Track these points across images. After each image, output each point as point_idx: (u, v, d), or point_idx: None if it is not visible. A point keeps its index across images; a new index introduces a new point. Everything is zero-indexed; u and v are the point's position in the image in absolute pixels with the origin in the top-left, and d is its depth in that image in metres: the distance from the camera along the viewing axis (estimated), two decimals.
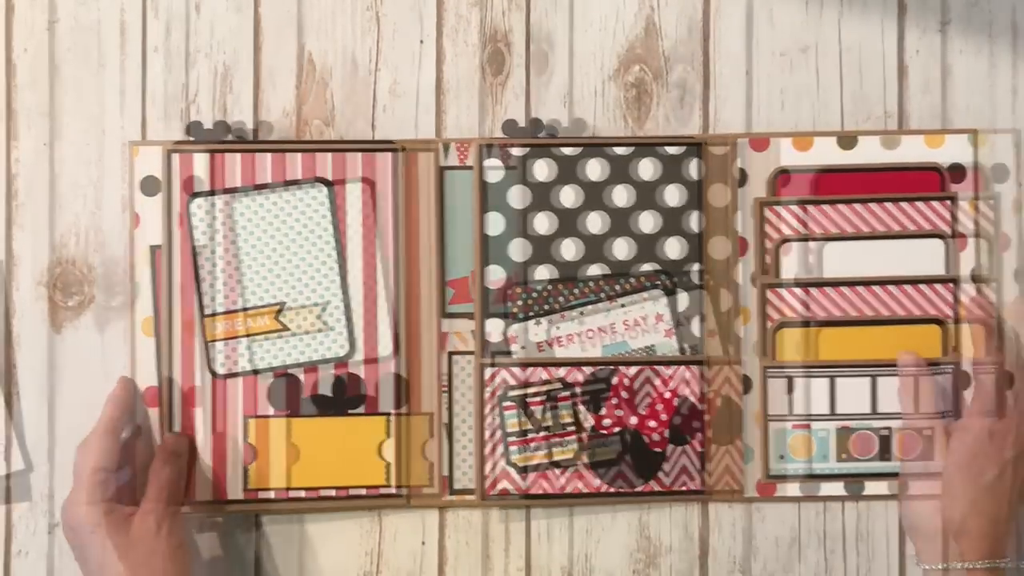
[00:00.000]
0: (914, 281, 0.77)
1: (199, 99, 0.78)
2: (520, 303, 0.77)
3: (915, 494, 0.74)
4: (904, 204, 0.78)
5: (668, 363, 0.77)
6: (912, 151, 0.78)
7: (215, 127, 0.77)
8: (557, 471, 0.76)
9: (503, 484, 0.76)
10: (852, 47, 0.79)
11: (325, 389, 0.76)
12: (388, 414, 0.76)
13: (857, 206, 0.78)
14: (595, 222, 0.77)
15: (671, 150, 0.77)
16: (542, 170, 0.77)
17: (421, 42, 0.78)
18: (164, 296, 0.76)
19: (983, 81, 0.79)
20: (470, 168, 0.77)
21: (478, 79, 0.78)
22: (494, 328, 0.77)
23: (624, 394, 0.77)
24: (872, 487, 0.77)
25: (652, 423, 0.77)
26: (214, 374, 0.76)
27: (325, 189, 0.76)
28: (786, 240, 0.77)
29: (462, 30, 0.78)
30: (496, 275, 0.77)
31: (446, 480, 0.77)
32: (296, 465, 0.76)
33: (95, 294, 0.77)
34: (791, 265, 0.78)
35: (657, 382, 0.77)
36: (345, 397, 0.76)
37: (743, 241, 0.78)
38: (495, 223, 0.77)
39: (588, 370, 0.77)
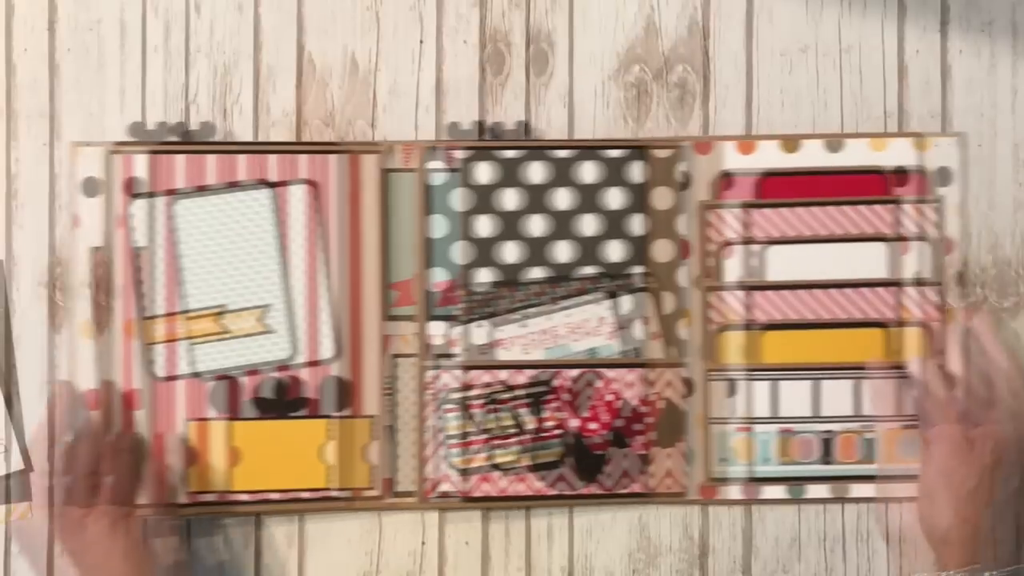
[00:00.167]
0: (857, 284, 0.78)
1: (199, 99, 0.77)
2: (463, 306, 0.77)
3: (941, 504, 0.72)
4: (847, 208, 0.78)
5: (610, 366, 0.77)
6: (856, 155, 0.78)
7: (157, 128, 0.77)
8: (498, 473, 0.76)
9: (444, 486, 0.77)
10: (852, 47, 0.79)
11: (266, 392, 0.76)
12: (330, 417, 0.76)
13: (800, 209, 0.78)
14: (537, 225, 0.77)
15: (613, 153, 0.77)
16: (485, 173, 0.77)
17: (421, 42, 0.78)
18: (103, 298, 0.75)
19: (983, 81, 0.79)
20: (414, 171, 0.77)
21: (478, 79, 0.78)
22: (437, 331, 0.76)
23: (566, 396, 0.77)
24: (814, 490, 0.78)
25: (594, 425, 0.77)
26: (154, 377, 0.75)
27: (267, 191, 0.76)
28: (728, 243, 0.77)
29: (462, 30, 0.78)
30: (439, 277, 0.77)
31: (388, 482, 0.77)
32: (237, 468, 0.76)
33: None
34: (734, 268, 0.78)
35: (599, 384, 0.77)
36: (286, 400, 0.76)
37: (686, 244, 0.78)
38: (439, 226, 0.77)
39: (530, 373, 0.77)
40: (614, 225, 0.77)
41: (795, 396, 0.77)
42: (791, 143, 0.78)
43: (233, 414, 0.76)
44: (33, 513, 0.71)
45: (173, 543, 0.72)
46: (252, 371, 0.76)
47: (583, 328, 0.77)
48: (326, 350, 0.76)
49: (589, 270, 0.77)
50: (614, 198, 0.77)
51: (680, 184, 0.78)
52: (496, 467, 0.76)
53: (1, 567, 0.76)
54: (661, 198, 0.78)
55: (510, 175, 0.77)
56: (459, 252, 0.77)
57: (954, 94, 0.79)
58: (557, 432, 0.77)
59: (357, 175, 0.77)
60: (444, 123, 0.78)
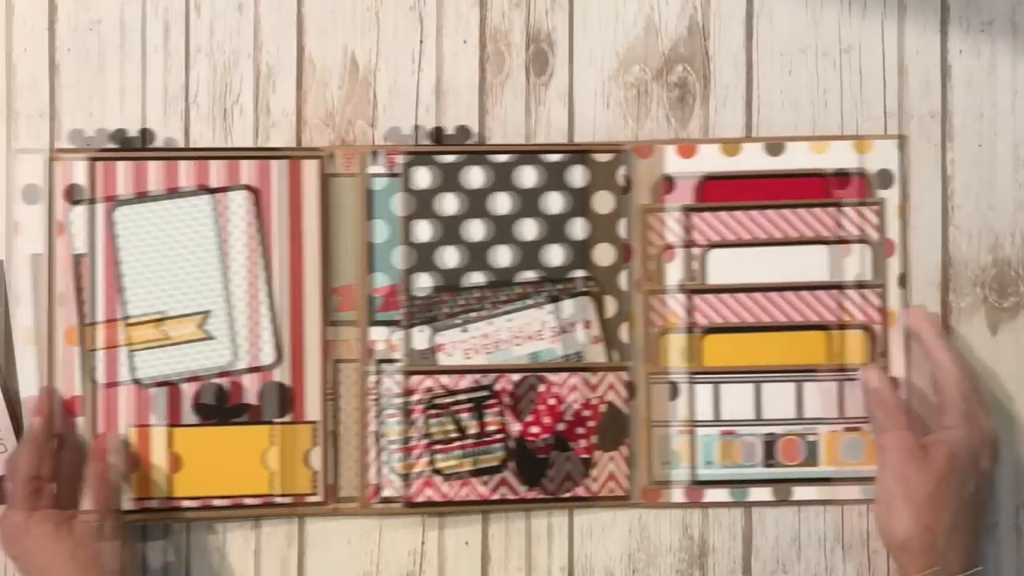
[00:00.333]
0: (798, 288, 0.78)
1: (199, 99, 0.77)
2: (404, 311, 0.77)
3: (899, 512, 0.72)
4: (787, 211, 0.78)
5: (552, 370, 0.77)
6: (796, 158, 0.78)
7: (97, 134, 0.77)
8: (440, 478, 0.76)
9: (386, 491, 0.77)
10: (852, 47, 0.79)
11: (207, 398, 0.76)
12: (271, 423, 0.76)
13: (740, 213, 0.78)
14: (478, 230, 0.77)
15: (553, 158, 0.77)
16: (424, 178, 0.77)
17: (421, 42, 0.78)
18: (44, 305, 0.75)
19: (983, 81, 0.79)
20: (355, 175, 0.77)
21: (478, 79, 0.78)
22: (378, 336, 0.77)
23: (508, 401, 0.77)
24: (756, 493, 0.78)
25: (536, 429, 0.77)
26: (95, 383, 0.75)
27: (207, 197, 0.76)
28: (670, 247, 0.78)
29: (462, 30, 0.78)
30: (381, 282, 0.77)
31: (332, 488, 0.77)
32: (179, 474, 0.76)
33: None
34: (675, 272, 0.78)
35: (541, 389, 0.77)
36: (227, 406, 0.76)
37: (627, 248, 0.78)
38: (380, 231, 0.77)
39: (471, 377, 0.77)
40: (555, 230, 0.77)
41: (737, 399, 0.77)
42: (732, 147, 0.78)
43: (174, 420, 0.76)
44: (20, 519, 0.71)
45: (123, 545, 0.72)
46: (193, 377, 0.76)
47: (525, 332, 0.77)
48: (267, 356, 0.76)
49: (530, 274, 0.77)
50: (555, 202, 0.77)
51: (621, 188, 0.78)
52: (438, 472, 0.76)
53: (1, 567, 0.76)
54: (602, 202, 0.78)
55: (450, 180, 0.77)
56: (399, 257, 0.77)
57: (954, 94, 0.79)
58: (499, 437, 0.77)
59: (298, 180, 0.77)
60: (448, 123, 0.78)
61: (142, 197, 0.76)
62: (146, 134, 0.77)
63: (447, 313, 0.77)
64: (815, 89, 0.79)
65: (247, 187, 0.76)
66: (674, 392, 0.78)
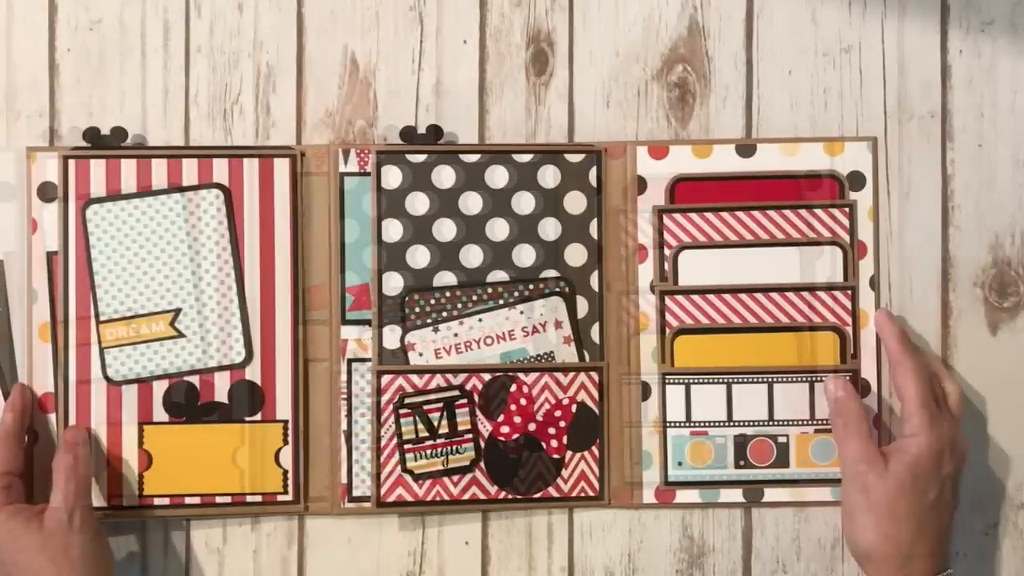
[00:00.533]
0: (769, 289, 0.78)
1: (199, 99, 0.78)
2: (375, 310, 0.77)
3: (861, 522, 0.72)
4: (758, 212, 0.78)
5: (523, 370, 0.77)
6: (768, 159, 0.78)
7: (70, 132, 0.77)
8: (410, 478, 0.76)
9: (357, 491, 0.77)
10: (852, 47, 0.79)
11: (178, 396, 0.76)
12: (242, 421, 0.76)
13: (711, 215, 0.78)
14: (449, 229, 0.77)
15: (524, 158, 0.77)
16: (395, 177, 0.77)
17: (421, 42, 0.78)
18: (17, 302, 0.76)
19: (983, 81, 0.79)
20: (326, 175, 0.77)
21: (478, 79, 0.78)
22: (349, 335, 0.77)
23: (479, 401, 0.77)
24: (727, 494, 0.78)
25: (507, 429, 0.77)
26: (67, 381, 0.75)
27: (179, 196, 0.76)
28: (641, 248, 0.78)
29: (462, 30, 0.78)
30: (353, 282, 0.77)
31: (304, 487, 0.77)
32: (149, 472, 0.76)
33: None
34: (647, 272, 0.78)
35: (512, 389, 0.77)
36: (198, 404, 0.76)
37: (599, 248, 0.78)
38: (351, 230, 0.77)
39: (443, 377, 0.77)
40: (527, 230, 0.77)
41: (708, 400, 0.77)
42: (703, 148, 0.78)
43: (145, 418, 0.76)
44: None
45: (96, 538, 0.72)
46: (163, 376, 0.76)
47: (496, 332, 0.77)
48: (238, 354, 0.76)
49: (502, 275, 0.77)
50: (526, 203, 0.77)
51: (593, 189, 0.78)
52: (409, 472, 0.76)
53: None
54: (574, 203, 0.78)
55: (421, 179, 0.77)
56: (371, 257, 0.77)
57: (954, 94, 0.79)
58: (470, 437, 0.77)
59: (270, 179, 0.77)
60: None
61: (114, 195, 0.76)
62: (117, 132, 0.77)
63: (418, 313, 0.77)
64: (815, 89, 0.79)
65: (219, 186, 0.76)
66: (645, 393, 0.78)
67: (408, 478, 0.76)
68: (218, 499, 0.76)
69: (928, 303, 0.79)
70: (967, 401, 0.78)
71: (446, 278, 0.77)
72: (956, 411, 0.74)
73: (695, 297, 0.78)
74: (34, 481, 0.75)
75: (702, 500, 0.78)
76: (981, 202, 0.79)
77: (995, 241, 0.79)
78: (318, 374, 0.77)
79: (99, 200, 0.76)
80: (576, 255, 0.77)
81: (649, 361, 0.78)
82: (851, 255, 0.78)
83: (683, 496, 0.78)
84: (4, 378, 0.76)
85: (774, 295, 0.77)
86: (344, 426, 0.77)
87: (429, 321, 0.77)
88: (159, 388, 0.76)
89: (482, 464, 0.77)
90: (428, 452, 0.76)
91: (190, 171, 0.76)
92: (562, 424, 0.77)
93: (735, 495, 0.78)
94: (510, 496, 0.77)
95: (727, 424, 0.78)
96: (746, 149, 0.78)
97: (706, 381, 0.77)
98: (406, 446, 0.76)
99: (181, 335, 0.76)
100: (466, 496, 0.77)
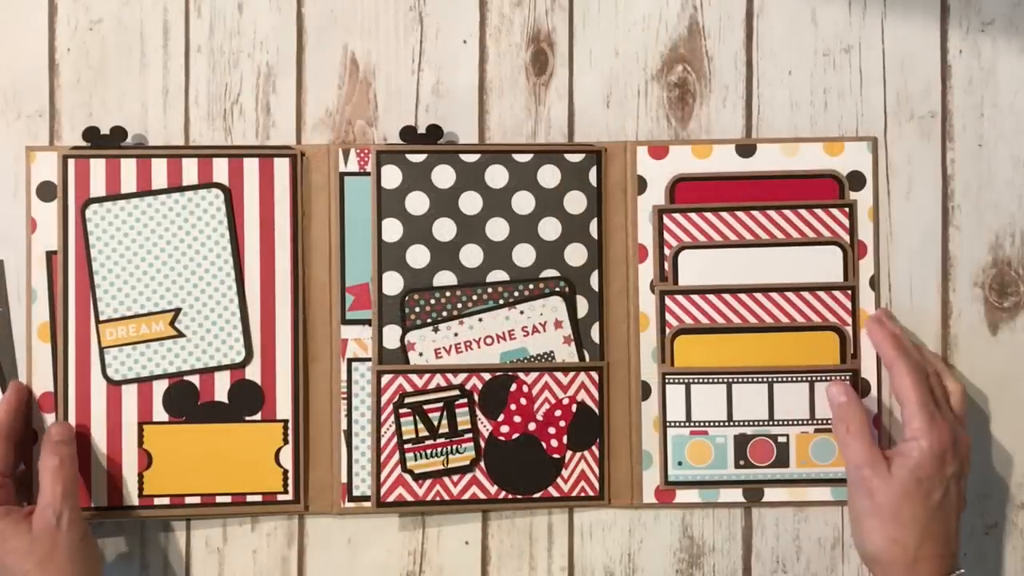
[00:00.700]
0: (769, 289, 0.78)
1: (199, 99, 0.78)
2: (375, 310, 0.77)
3: (867, 526, 0.71)
4: (758, 212, 0.78)
5: (523, 370, 0.77)
6: (767, 159, 0.78)
7: (70, 132, 0.77)
8: (410, 477, 0.76)
9: (357, 491, 0.77)
10: (852, 47, 0.79)
11: (178, 396, 0.76)
12: (242, 421, 0.76)
13: (711, 214, 0.78)
14: (448, 229, 0.77)
15: (523, 158, 0.77)
16: (394, 177, 0.77)
17: (421, 42, 0.78)
18: (18, 302, 0.76)
19: (983, 81, 0.79)
20: (327, 174, 0.77)
21: (477, 79, 0.78)
22: (349, 335, 0.77)
23: (479, 400, 0.77)
24: (727, 494, 0.78)
25: (507, 429, 0.77)
26: (67, 380, 0.75)
27: (180, 195, 0.76)
28: (642, 248, 0.78)
29: (461, 30, 0.78)
30: (353, 282, 0.77)
31: (304, 487, 0.77)
32: (149, 472, 0.76)
33: None
34: (647, 272, 0.78)
35: (512, 388, 0.77)
36: (198, 404, 0.76)
37: (600, 248, 0.78)
38: (352, 229, 0.77)
39: (443, 377, 0.76)
40: (526, 230, 0.77)
41: (709, 400, 0.77)
42: (703, 148, 0.78)
43: (145, 418, 0.76)
44: None
45: (85, 538, 0.72)
46: (163, 375, 0.76)
47: (496, 332, 0.77)
48: (238, 354, 0.76)
49: (501, 275, 0.77)
50: (526, 202, 0.77)
51: (593, 189, 0.78)
52: (409, 472, 0.76)
53: None
54: (574, 203, 0.78)
55: (420, 179, 0.77)
56: (371, 256, 0.77)
57: (954, 94, 0.79)
58: (470, 436, 0.77)
59: (270, 179, 0.77)
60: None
61: (114, 195, 0.76)
62: (117, 132, 0.77)
63: (418, 313, 0.77)
64: (815, 89, 0.79)
65: (219, 185, 0.76)
66: (645, 392, 0.78)
67: (408, 478, 0.76)
68: (218, 499, 0.76)
69: (928, 303, 0.79)
70: (967, 401, 0.77)
71: (445, 278, 0.77)
72: (959, 410, 0.74)
73: (695, 297, 0.78)
74: (33, 481, 0.75)
75: (702, 500, 0.78)
76: (981, 202, 0.79)
77: (995, 241, 0.79)
78: (318, 374, 0.77)
79: (99, 200, 0.76)
80: (576, 255, 0.77)
81: (649, 361, 0.78)
82: (851, 255, 0.78)
83: (683, 496, 0.78)
84: (4, 378, 0.76)
85: (774, 295, 0.77)
86: (344, 426, 0.77)
87: (429, 321, 0.77)
88: (159, 388, 0.76)
89: (482, 464, 0.77)
90: (428, 452, 0.76)
91: (190, 171, 0.76)
92: (562, 424, 0.77)
93: (735, 495, 0.78)
94: (510, 496, 0.77)
95: (727, 424, 0.77)
96: (746, 149, 0.78)
97: (706, 381, 0.77)
98: (406, 446, 0.76)
99: (181, 335, 0.76)
100: (466, 496, 0.77)
